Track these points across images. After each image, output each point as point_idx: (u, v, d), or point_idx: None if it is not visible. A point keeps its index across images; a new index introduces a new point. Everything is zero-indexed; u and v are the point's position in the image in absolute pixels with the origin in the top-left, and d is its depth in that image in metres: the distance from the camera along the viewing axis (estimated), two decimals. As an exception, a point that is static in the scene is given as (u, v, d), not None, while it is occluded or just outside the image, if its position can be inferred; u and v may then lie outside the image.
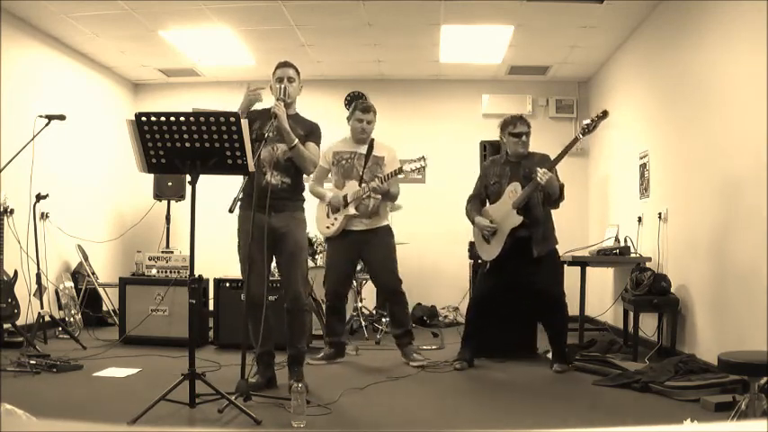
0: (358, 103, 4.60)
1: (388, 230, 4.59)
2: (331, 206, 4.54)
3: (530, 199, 4.15)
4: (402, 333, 4.54)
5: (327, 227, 4.57)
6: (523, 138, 4.24)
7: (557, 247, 4.38)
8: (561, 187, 4.12)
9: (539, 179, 3.97)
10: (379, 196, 4.46)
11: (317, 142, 3.76)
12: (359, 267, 4.98)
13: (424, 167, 4.45)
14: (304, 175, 3.77)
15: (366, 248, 4.51)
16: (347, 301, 4.90)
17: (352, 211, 4.45)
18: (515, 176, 4.25)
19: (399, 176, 4.46)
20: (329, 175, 4.67)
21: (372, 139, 4.60)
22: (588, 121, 4.05)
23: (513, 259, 4.21)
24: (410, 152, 4.81)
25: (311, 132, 3.73)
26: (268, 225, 3.52)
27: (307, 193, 3.87)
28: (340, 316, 4.66)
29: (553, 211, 4.36)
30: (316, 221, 4.69)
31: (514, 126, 4.24)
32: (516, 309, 4.69)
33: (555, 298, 4.32)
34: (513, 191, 4.19)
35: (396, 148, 4.70)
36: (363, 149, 4.56)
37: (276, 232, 3.60)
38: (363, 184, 4.44)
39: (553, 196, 4.12)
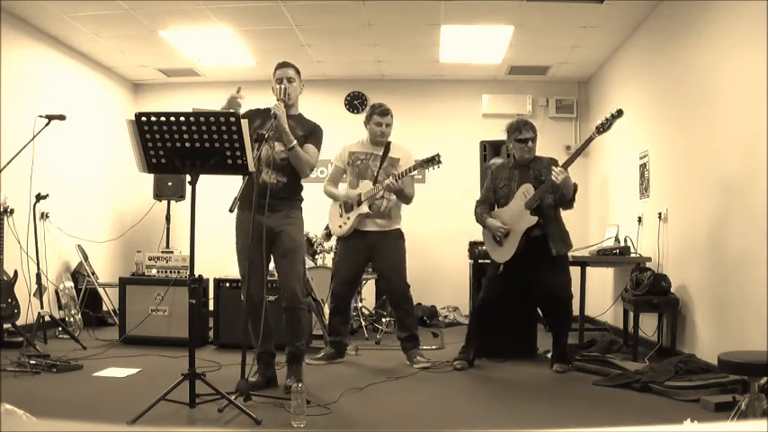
0: (375, 108, 4.56)
1: (399, 234, 4.58)
2: (344, 205, 4.54)
3: (542, 200, 4.16)
4: (407, 337, 4.54)
5: (340, 226, 4.57)
6: (529, 143, 4.26)
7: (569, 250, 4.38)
8: (575, 187, 4.14)
9: (554, 178, 3.97)
10: (393, 196, 4.46)
11: (317, 144, 3.73)
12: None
13: (437, 163, 4.38)
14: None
15: (377, 252, 4.50)
16: (352, 303, 4.90)
17: (365, 209, 4.44)
18: (525, 179, 4.24)
19: (414, 173, 4.46)
20: (344, 176, 4.67)
21: (389, 142, 4.61)
22: (603, 120, 4.02)
23: (528, 259, 4.17)
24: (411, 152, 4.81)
25: (311, 134, 3.72)
26: (263, 225, 3.52)
27: (306, 193, 3.85)
28: (344, 317, 4.66)
29: (554, 211, 4.36)
30: (329, 220, 4.72)
31: (520, 132, 4.26)
32: (516, 309, 4.69)
33: (565, 301, 4.32)
34: (526, 192, 4.18)
35: (414, 152, 4.68)
36: (379, 151, 4.57)
37: (272, 232, 3.60)
38: (377, 183, 4.45)
39: (567, 196, 4.12)
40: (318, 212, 4.83)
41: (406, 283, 4.54)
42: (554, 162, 4.24)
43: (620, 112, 3.99)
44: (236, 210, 3.24)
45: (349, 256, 4.57)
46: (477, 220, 4.43)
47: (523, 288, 4.39)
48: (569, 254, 4.45)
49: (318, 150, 3.75)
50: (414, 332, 4.56)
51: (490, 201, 4.45)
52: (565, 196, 4.13)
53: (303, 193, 3.83)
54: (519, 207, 4.19)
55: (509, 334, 4.74)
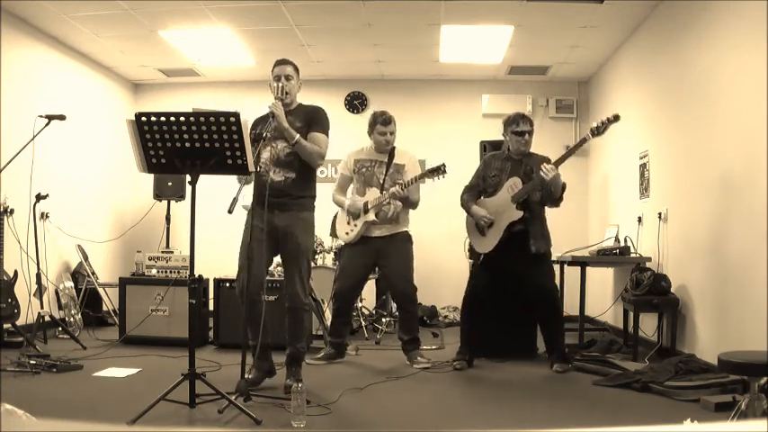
0: (378, 117, 4.54)
1: (406, 237, 4.58)
2: (351, 213, 4.55)
3: (530, 195, 4.17)
4: (410, 339, 4.55)
5: (347, 233, 4.59)
6: (526, 136, 4.27)
7: (551, 249, 4.40)
8: (563, 186, 4.14)
9: (544, 175, 3.97)
10: (400, 203, 4.46)
11: (322, 129, 3.67)
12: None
13: (442, 173, 4.39)
14: (317, 173, 3.77)
15: (383, 255, 4.51)
16: (354, 306, 4.91)
17: (371, 217, 4.46)
18: (516, 172, 4.27)
19: (419, 182, 4.46)
20: (352, 183, 4.67)
21: (393, 147, 4.61)
22: (599, 123, 4.02)
23: (508, 253, 4.22)
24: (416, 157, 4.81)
25: (312, 121, 3.66)
26: (271, 224, 3.53)
27: (319, 192, 3.83)
28: (345, 319, 4.67)
29: (553, 211, 4.36)
30: (337, 226, 4.76)
31: (517, 125, 4.27)
32: (515, 309, 4.69)
33: (550, 298, 4.34)
34: (513, 185, 4.21)
35: (415, 154, 4.69)
36: (384, 157, 4.58)
37: (278, 231, 3.59)
38: (384, 191, 4.45)
39: (555, 194, 4.13)
40: (318, 212, 4.83)
41: (413, 285, 4.55)
42: (546, 160, 4.25)
43: (616, 117, 3.99)
44: (234, 210, 3.24)
45: (355, 259, 4.58)
46: (462, 206, 4.46)
47: (507, 283, 4.40)
48: (552, 253, 4.48)
49: (326, 134, 3.68)
50: (416, 335, 4.57)
51: (479, 188, 4.47)
52: (552, 194, 4.15)
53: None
54: (505, 200, 4.22)
55: (509, 334, 4.74)
